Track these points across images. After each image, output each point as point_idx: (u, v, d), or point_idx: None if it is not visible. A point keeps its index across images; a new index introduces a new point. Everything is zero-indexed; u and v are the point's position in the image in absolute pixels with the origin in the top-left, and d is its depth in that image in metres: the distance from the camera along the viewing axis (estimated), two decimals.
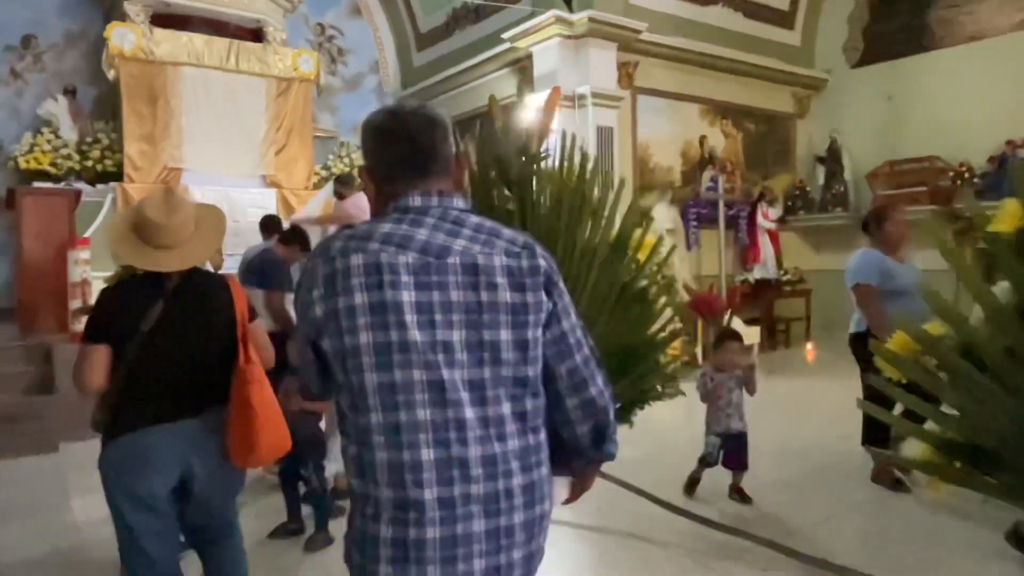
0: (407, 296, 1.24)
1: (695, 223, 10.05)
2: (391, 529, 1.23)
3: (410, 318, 1.23)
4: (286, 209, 9.44)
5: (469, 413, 1.25)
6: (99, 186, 9.10)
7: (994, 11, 9.95)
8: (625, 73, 9.73)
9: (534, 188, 2.83)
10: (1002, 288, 1.83)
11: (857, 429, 4.56)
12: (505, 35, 9.64)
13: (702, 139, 10.75)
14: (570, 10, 9.00)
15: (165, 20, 9.62)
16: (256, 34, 10.27)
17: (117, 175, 9.25)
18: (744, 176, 11.27)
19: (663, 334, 3.05)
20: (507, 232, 1.36)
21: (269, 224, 6.18)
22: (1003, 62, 9.76)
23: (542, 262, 1.34)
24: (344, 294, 1.25)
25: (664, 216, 9.51)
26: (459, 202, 1.38)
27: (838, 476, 4.63)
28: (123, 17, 9.27)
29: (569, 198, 2.75)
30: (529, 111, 9.51)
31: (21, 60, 10.01)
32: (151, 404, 2.25)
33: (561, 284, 1.38)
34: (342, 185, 7.27)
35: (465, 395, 1.25)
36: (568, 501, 1.67)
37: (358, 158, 11.85)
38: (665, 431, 5.37)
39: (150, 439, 2.23)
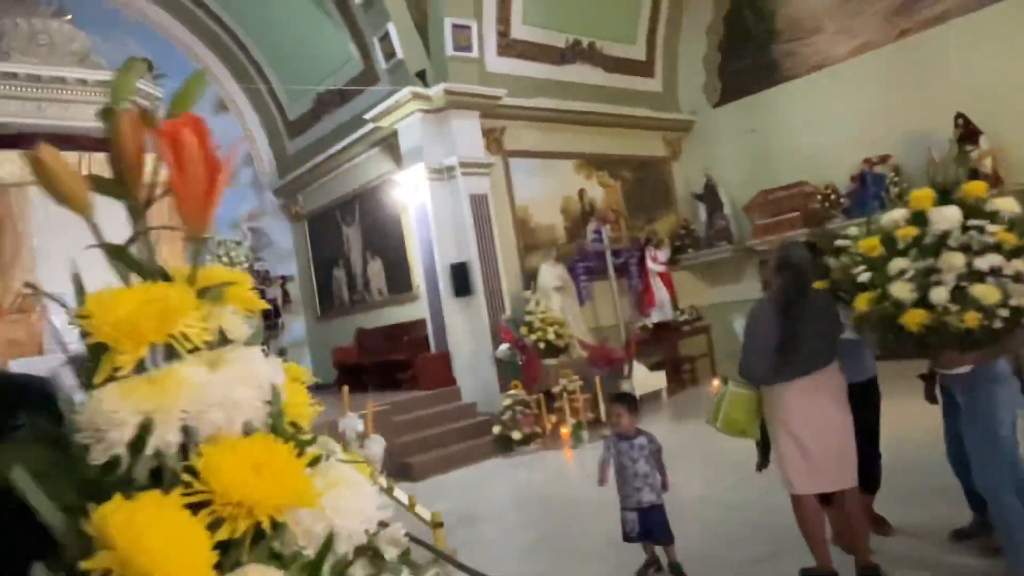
0: None
1: (584, 277, 10.02)
2: None
3: None
4: None
5: None
6: None
7: (830, 41, 10.52)
8: (493, 139, 9.75)
9: None
10: None
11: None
12: (367, 115, 9.55)
13: (581, 193, 10.84)
14: (425, 85, 8.99)
15: (5, 141, 9.14)
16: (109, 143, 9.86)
17: None
18: (628, 223, 11.40)
19: None
20: None
21: None
22: (848, 86, 10.28)
23: None
24: None
25: (551, 275, 9.44)
26: None
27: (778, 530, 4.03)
28: None
29: None
30: (399, 187, 9.41)
31: None
32: None
33: None
34: None
35: None
36: None
37: (237, 255, 11.45)
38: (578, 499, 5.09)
39: None
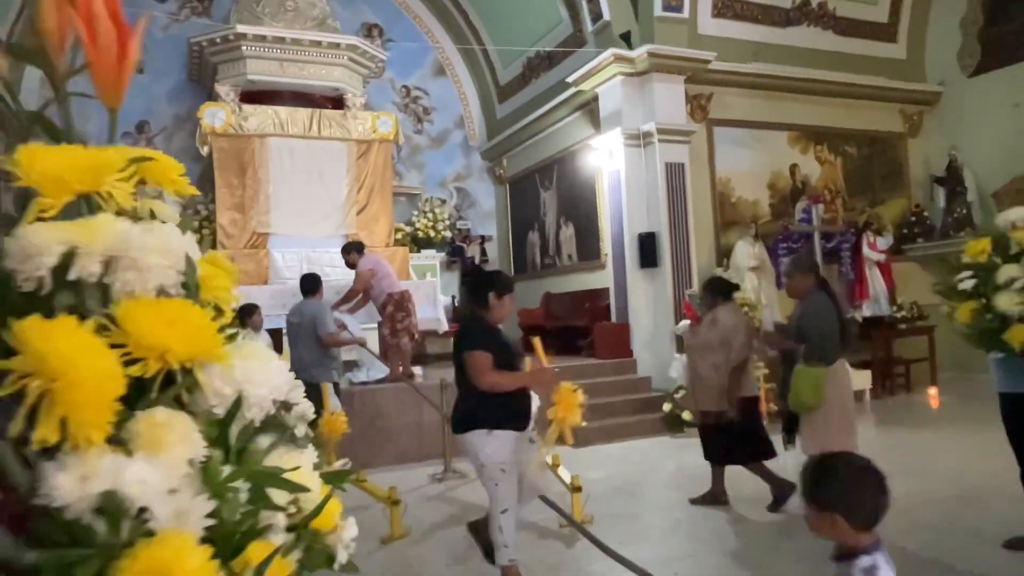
0: None
1: (787, 258, 9.22)
2: None
3: None
4: None
5: None
6: None
7: None
8: (698, 105, 9.25)
9: None
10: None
11: (990, 490, 3.65)
12: (569, 79, 9.49)
13: (793, 168, 9.97)
14: (629, 47, 8.71)
15: (254, 96, 10.32)
16: (338, 101, 10.77)
17: (213, 244, 9.85)
18: (847, 204, 10.31)
19: None
20: None
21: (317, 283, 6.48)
22: None
23: None
24: None
25: (746, 254, 8.83)
26: None
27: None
28: (218, 98, 10.02)
29: None
30: (595, 153, 9.28)
31: (135, 144, 10.99)
32: None
33: None
34: (347, 253, 7.35)
35: None
36: None
37: (441, 212, 12.04)
38: None
39: None
